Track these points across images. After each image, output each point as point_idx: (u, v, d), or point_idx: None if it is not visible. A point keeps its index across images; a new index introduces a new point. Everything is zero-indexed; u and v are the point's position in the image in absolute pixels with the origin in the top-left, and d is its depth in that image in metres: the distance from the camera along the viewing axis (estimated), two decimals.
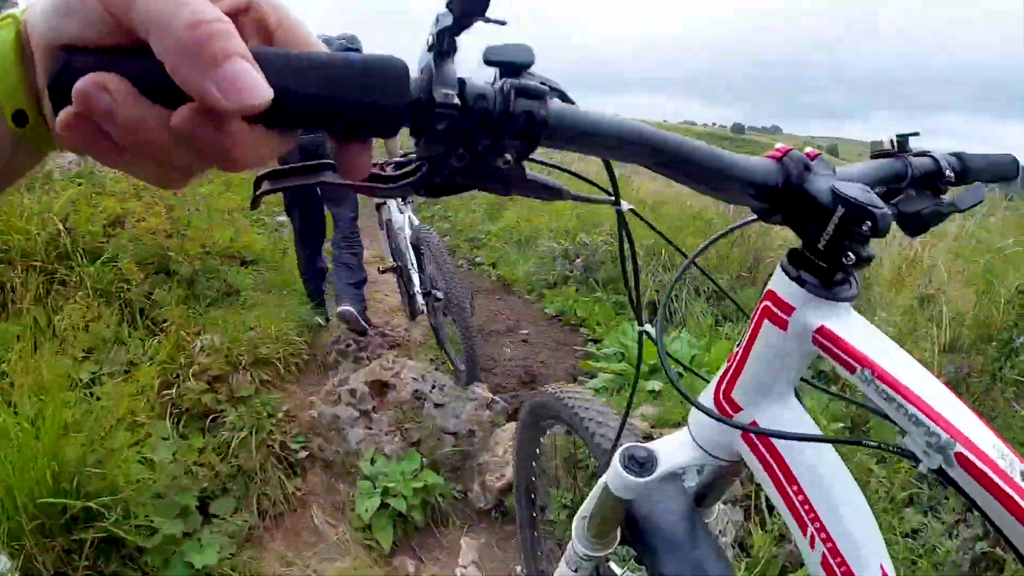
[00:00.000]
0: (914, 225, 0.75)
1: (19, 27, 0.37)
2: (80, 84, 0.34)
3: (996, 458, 0.56)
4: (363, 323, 3.82)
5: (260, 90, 0.35)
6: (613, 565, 1.18)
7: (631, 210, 0.81)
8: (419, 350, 4.06)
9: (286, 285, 4.46)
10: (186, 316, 3.44)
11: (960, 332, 3.73)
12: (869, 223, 0.59)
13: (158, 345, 3.14)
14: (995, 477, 0.55)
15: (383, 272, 4.06)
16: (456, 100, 0.44)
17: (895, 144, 0.82)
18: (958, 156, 0.85)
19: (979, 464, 0.55)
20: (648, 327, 0.88)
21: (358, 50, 3.25)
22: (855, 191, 0.59)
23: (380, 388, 3.14)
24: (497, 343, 4.65)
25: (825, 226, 0.61)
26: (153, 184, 0.41)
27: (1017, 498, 0.54)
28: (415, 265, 3.70)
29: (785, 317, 0.69)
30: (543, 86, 0.48)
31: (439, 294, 3.48)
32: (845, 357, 0.64)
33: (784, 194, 0.62)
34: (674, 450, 0.88)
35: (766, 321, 0.72)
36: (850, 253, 0.61)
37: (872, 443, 0.65)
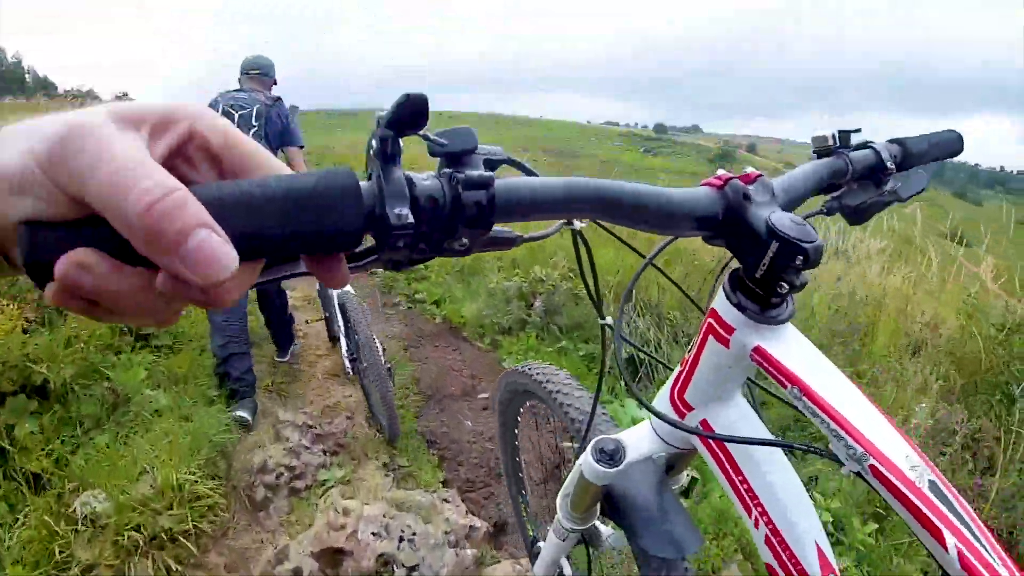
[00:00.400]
0: (857, 216, 0.87)
1: None
2: (60, 267, 0.34)
3: (906, 470, 0.62)
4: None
5: (226, 260, 0.35)
6: (598, 524, 1.23)
7: (580, 230, 0.89)
8: (367, 450, 3.29)
9: (192, 373, 3.55)
10: (61, 457, 2.56)
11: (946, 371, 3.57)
12: (801, 257, 0.61)
13: (23, 528, 2.23)
14: (903, 488, 0.61)
15: (309, 323, 4.18)
16: (410, 219, 0.44)
17: (837, 139, 0.86)
18: (900, 142, 0.90)
19: (889, 476, 0.62)
20: (609, 319, 0.95)
21: (267, 71, 3.61)
22: (789, 226, 0.62)
23: (333, 558, 2.33)
24: (453, 413, 3.94)
25: (762, 257, 0.63)
26: (148, 326, 0.45)
27: (922, 507, 0.60)
28: (342, 328, 3.72)
29: (726, 336, 0.74)
30: (487, 173, 0.49)
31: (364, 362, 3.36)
32: (778, 375, 0.69)
33: (724, 223, 0.65)
34: (638, 441, 0.97)
35: (710, 337, 0.76)
36: (784, 283, 0.65)
37: (802, 446, 0.71)
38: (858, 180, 0.87)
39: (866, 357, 3.77)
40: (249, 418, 3.25)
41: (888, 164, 0.86)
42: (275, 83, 3.93)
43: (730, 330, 0.73)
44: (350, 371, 3.69)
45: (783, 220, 0.62)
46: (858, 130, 0.87)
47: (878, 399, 2.93)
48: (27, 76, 41.84)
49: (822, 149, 0.87)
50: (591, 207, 0.58)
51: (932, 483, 0.62)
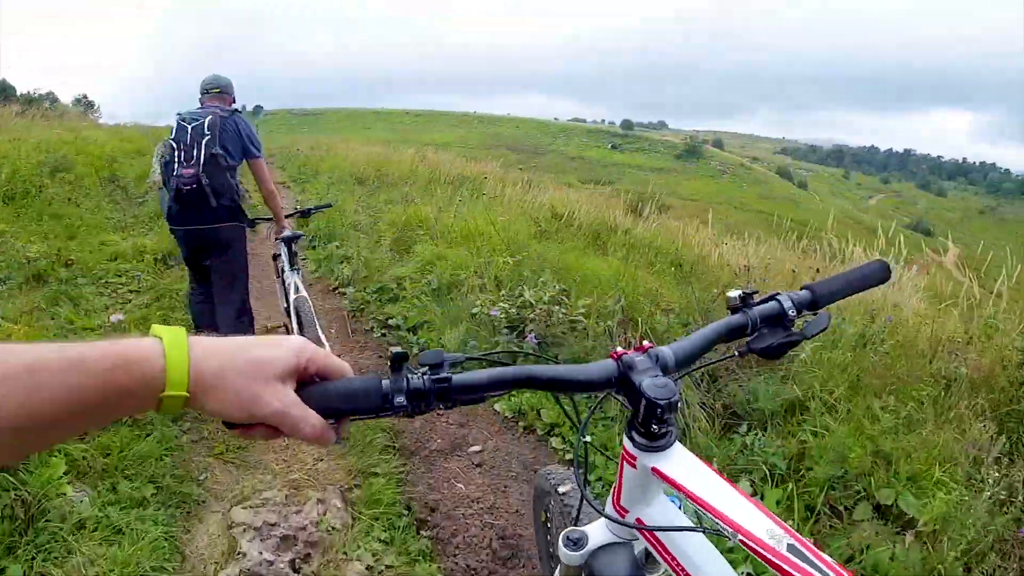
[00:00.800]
0: (768, 355, 1.06)
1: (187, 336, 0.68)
2: (241, 432, 0.75)
3: (767, 539, 0.83)
4: None
5: (332, 438, 0.79)
6: None
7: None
8: (345, 546, 2.79)
9: (125, 457, 3.02)
10: None
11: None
12: (660, 409, 0.91)
13: None
14: (766, 552, 0.81)
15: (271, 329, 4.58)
16: (405, 403, 0.82)
17: (740, 300, 1.09)
18: (809, 288, 1.12)
19: (754, 545, 0.82)
20: (588, 437, 1.16)
21: (226, 89, 3.99)
22: (651, 388, 0.91)
23: None
24: (443, 473, 3.56)
25: (639, 409, 0.94)
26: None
27: (782, 564, 0.79)
28: (295, 331, 3.95)
29: (633, 461, 1.02)
30: (446, 375, 0.85)
31: None
32: (672, 485, 0.96)
33: (618, 385, 0.97)
34: (597, 531, 1.18)
35: (624, 463, 1.05)
36: (654, 427, 0.95)
37: (700, 529, 0.96)
38: (767, 325, 1.07)
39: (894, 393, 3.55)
40: None
41: (790, 313, 1.06)
42: (234, 100, 4.14)
43: (634, 458, 1.00)
44: None
45: (649, 384, 0.91)
46: (756, 292, 1.10)
47: (918, 442, 3.05)
48: None
49: (733, 306, 1.09)
50: (528, 384, 0.94)
51: (791, 546, 0.82)
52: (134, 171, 10.91)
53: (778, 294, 1.09)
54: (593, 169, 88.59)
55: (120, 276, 6.05)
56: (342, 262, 7.28)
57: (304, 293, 4.11)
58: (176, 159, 3.66)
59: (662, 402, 0.90)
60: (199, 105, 3.98)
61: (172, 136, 3.72)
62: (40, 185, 8.25)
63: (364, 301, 6.30)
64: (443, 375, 0.85)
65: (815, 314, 1.10)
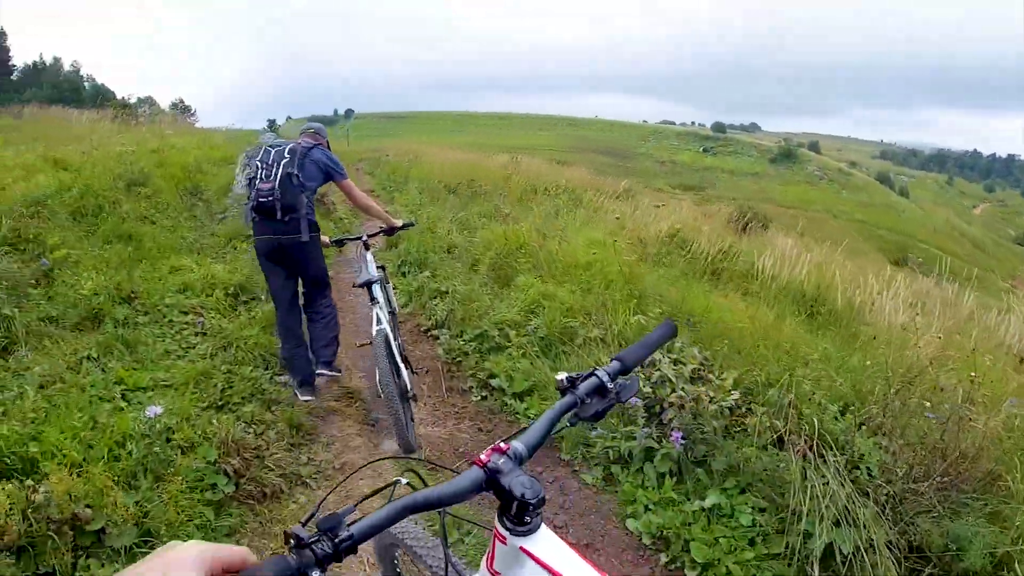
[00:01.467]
0: (593, 419, 1.26)
1: None
2: None
3: None
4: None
5: None
6: None
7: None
8: None
9: None
10: None
11: None
12: (530, 504, 1.05)
13: None
14: None
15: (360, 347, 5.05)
16: (322, 572, 0.88)
17: (567, 382, 1.28)
18: (620, 359, 1.34)
19: None
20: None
21: (319, 132, 4.75)
22: (523, 490, 1.05)
23: None
24: None
25: (510, 504, 1.07)
26: None
27: None
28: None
29: (504, 539, 1.12)
30: (347, 537, 0.93)
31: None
32: (537, 563, 1.08)
33: (488, 487, 1.08)
34: None
35: (496, 541, 1.15)
36: (527, 518, 1.08)
37: None
38: (591, 396, 1.28)
39: None
40: (313, 397, 4.52)
41: (608, 384, 1.29)
42: (327, 143, 4.69)
43: (504, 538, 1.13)
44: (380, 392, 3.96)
45: (519, 486, 1.06)
46: (592, 373, 1.31)
47: None
48: (85, 85, 42.07)
49: (562, 387, 1.29)
50: (414, 511, 1.04)
51: None
52: (218, 182, 10.33)
53: (596, 370, 1.30)
54: (684, 174, 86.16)
55: (186, 314, 5.32)
56: (435, 298, 6.37)
57: (385, 326, 4.10)
58: (258, 176, 4.17)
59: (533, 501, 1.05)
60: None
61: (257, 158, 4.26)
62: (114, 201, 7.67)
63: (461, 351, 5.37)
64: (343, 535, 0.92)
65: (628, 379, 1.33)
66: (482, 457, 1.10)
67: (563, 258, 7.07)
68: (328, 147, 4.62)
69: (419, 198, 12.66)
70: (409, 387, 4.02)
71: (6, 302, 4.63)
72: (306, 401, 4.42)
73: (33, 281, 5.36)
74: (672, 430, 3.65)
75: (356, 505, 1.01)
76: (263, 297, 5.76)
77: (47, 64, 55.09)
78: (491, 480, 1.08)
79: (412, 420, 4.04)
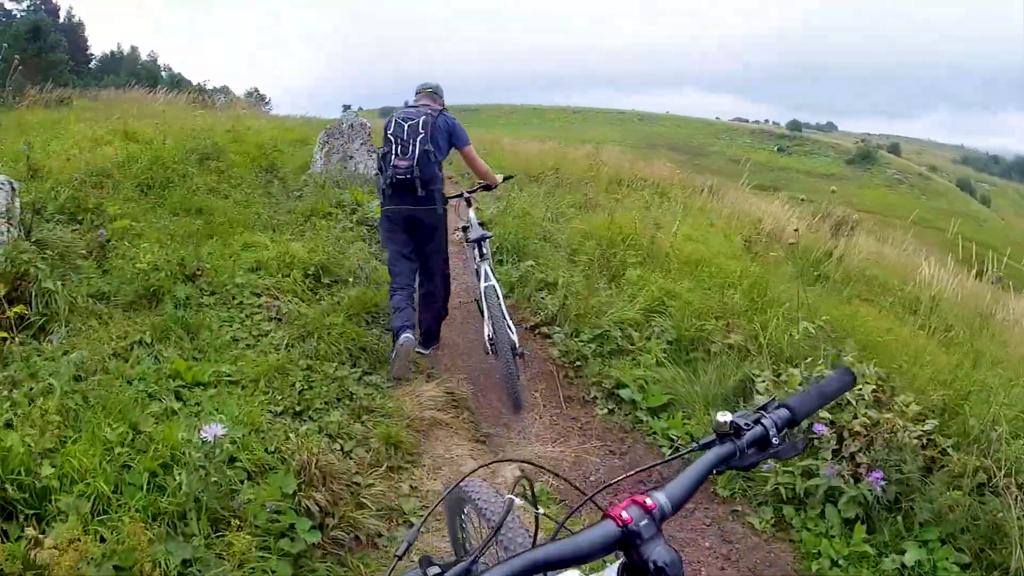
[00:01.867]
0: (744, 468, 1.06)
1: None
2: None
3: None
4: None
5: None
6: None
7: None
8: None
9: None
10: None
11: None
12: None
13: None
14: None
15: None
16: None
17: (731, 427, 1.06)
18: (788, 407, 1.12)
19: None
20: None
21: (436, 91, 4.62)
22: (665, 562, 0.85)
23: None
24: None
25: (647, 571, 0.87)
26: None
27: None
28: (487, 317, 4.14)
29: None
30: None
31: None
32: None
33: (622, 547, 0.89)
34: None
35: None
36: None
37: None
38: (750, 447, 1.06)
39: None
40: (413, 339, 4.12)
41: (774, 440, 1.07)
42: (443, 101, 4.61)
43: None
44: (489, 351, 4.08)
45: (657, 554, 0.87)
46: (758, 421, 1.09)
47: None
48: (163, 74, 42.82)
49: (721, 433, 1.07)
50: (538, 570, 0.86)
51: None
52: (294, 161, 9.67)
53: (762, 416, 1.09)
54: (758, 173, 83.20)
55: (258, 296, 4.54)
56: (543, 289, 5.46)
57: (493, 282, 4.21)
58: (392, 152, 4.15)
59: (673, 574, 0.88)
60: (412, 102, 4.59)
61: (390, 131, 4.21)
62: (184, 174, 6.99)
63: (579, 354, 4.45)
64: None
65: (794, 435, 1.16)
66: (622, 514, 0.90)
67: (676, 253, 6.18)
68: (444, 106, 4.57)
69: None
70: (517, 343, 4.00)
71: (49, 274, 3.89)
72: (404, 343, 4.06)
73: (85, 252, 4.67)
74: (861, 466, 2.94)
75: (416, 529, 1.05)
76: (350, 280, 5.00)
77: (124, 53, 56.28)
78: (626, 544, 0.90)
79: (520, 377, 4.17)
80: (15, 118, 10.82)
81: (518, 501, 1.13)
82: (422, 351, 4.50)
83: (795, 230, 8.44)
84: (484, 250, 4.36)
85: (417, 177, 4.09)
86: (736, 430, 1.07)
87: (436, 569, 0.98)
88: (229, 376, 3.44)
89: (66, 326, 3.73)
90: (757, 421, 1.08)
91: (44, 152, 7.08)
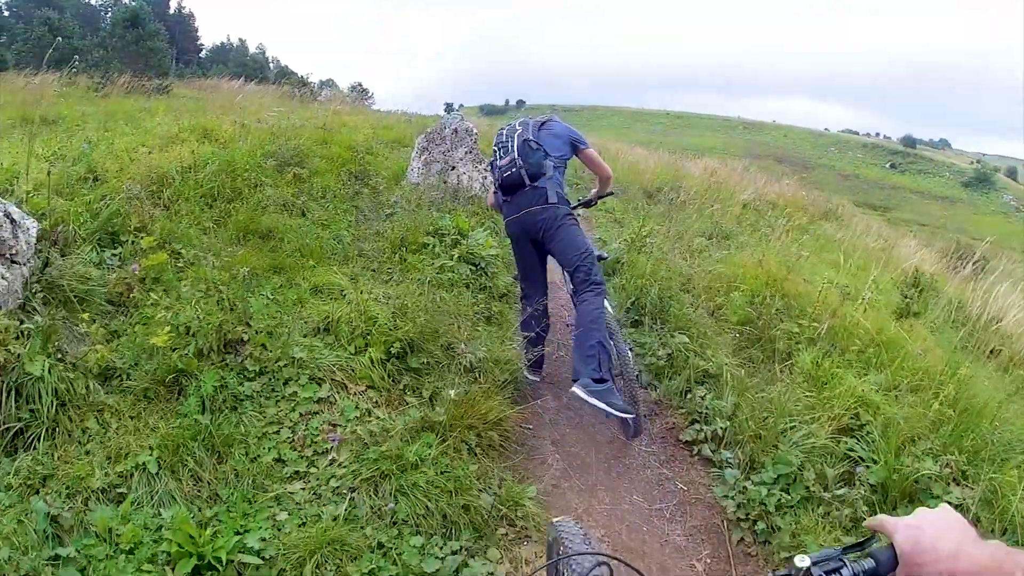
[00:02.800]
0: None
1: None
2: None
3: None
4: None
5: None
6: None
7: None
8: None
9: None
10: None
11: None
12: None
13: None
14: None
15: None
16: None
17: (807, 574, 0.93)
18: (875, 556, 0.95)
19: None
20: None
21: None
22: None
23: None
24: None
25: None
26: None
27: None
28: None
29: None
30: None
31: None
32: None
33: None
34: None
35: None
36: None
37: None
38: None
39: None
40: (537, 379, 4.15)
41: None
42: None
43: None
44: None
45: None
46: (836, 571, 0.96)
47: None
48: (270, 66, 43.16)
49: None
50: None
51: None
52: (389, 166, 8.37)
53: (841, 566, 0.95)
54: (869, 190, 79.32)
55: (319, 384, 3.30)
56: (702, 382, 4.04)
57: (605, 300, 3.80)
58: (497, 157, 3.98)
59: None
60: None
61: (494, 144, 4.07)
62: (256, 183, 5.88)
63: (760, 508, 3.03)
64: None
65: None
66: None
67: (853, 327, 4.72)
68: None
69: (611, 201, 10.33)
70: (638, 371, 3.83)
71: (40, 348, 2.74)
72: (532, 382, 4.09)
73: (110, 296, 3.56)
74: None
75: None
76: (450, 370, 3.70)
77: (233, 45, 57.44)
78: None
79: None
80: (104, 107, 10.10)
81: None
82: (583, 396, 3.45)
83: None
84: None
85: (520, 168, 3.79)
86: None
87: None
88: (262, 553, 2.19)
89: (52, 433, 2.58)
90: (838, 571, 0.95)
91: (109, 151, 6.12)
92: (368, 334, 3.63)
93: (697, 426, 3.77)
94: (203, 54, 48.30)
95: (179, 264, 4.24)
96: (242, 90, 15.85)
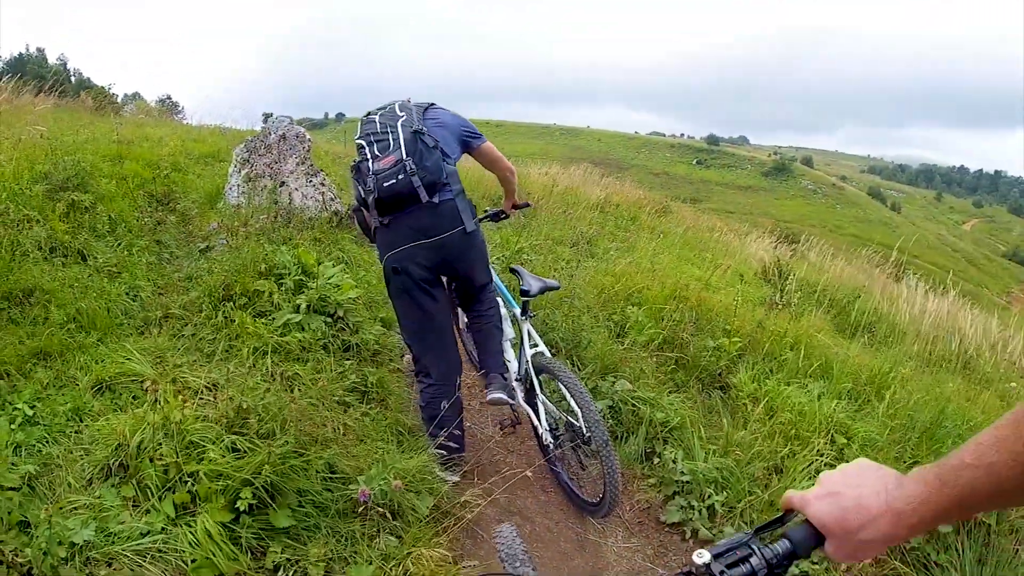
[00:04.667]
0: None
1: None
2: None
3: None
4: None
5: None
6: None
7: None
8: None
9: None
10: None
11: None
12: None
13: None
14: None
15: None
16: None
17: (706, 570, 0.86)
18: (788, 538, 0.89)
19: None
20: None
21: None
22: None
23: None
24: None
25: None
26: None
27: None
28: (540, 397, 3.10)
29: None
30: None
31: (578, 430, 2.87)
32: None
33: None
34: None
35: None
36: None
37: None
38: None
39: None
40: (457, 479, 3.05)
41: None
42: None
43: None
44: (550, 443, 3.08)
45: None
46: (745, 559, 0.88)
47: None
48: (72, 78, 38.62)
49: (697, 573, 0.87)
50: None
51: None
52: (203, 186, 6.66)
53: (750, 554, 0.87)
54: (679, 186, 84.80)
55: None
56: (666, 444, 3.22)
57: (542, 347, 3.18)
58: (368, 155, 2.87)
59: None
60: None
61: (358, 137, 3.03)
62: (20, 219, 4.24)
63: None
64: None
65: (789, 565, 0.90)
66: None
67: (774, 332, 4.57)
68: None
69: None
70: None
71: None
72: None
73: None
74: None
75: None
76: (343, 516, 2.44)
77: (32, 56, 51.76)
78: None
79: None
80: None
81: None
82: (504, 399, 3.07)
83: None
84: (528, 310, 3.26)
85: (413, 173, 2.72)
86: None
87: None
88: None
89: None
90: (746, 559, 0.86)
91: None
92: (192, 478, 2.25)
93: (680, 500, 3.00)
94: None
95: None
96: (39, 102, 13.07)
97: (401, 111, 2.92)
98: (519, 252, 6.27)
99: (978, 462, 0.69)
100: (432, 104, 3.14)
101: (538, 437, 3.17)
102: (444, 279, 3.19)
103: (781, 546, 0.87)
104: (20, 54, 51.57)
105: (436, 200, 2.80)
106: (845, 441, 3.33)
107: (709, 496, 2.95)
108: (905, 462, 3.15)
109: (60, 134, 6.79)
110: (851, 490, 0.83)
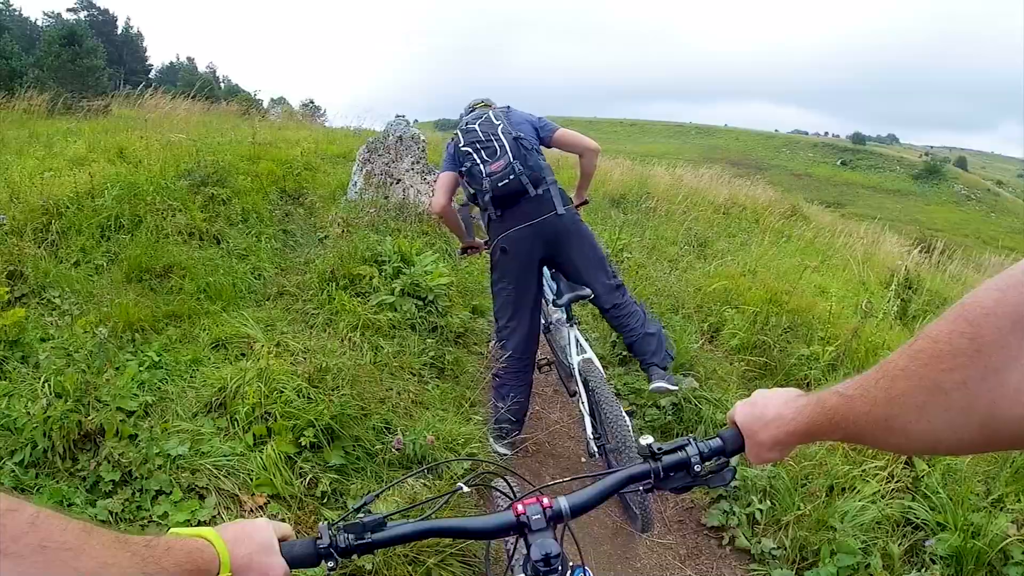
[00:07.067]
0: (674, 491, 1.08)
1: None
2: None
3: None
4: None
5: None
6: None
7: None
8: None
9: None
10: None
11: None
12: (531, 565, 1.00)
13: None
14: None
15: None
16: (335, 559, 0.96)
17: (651, 452, 1.06)
18: (722, 437, 1.05)
19: None
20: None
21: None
22: (537, 553, 0.98)
23: None
24: None
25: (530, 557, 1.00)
26: None
27: None
28: (585, 405, 3.12)
29: None
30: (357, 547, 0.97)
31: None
32: None
33: (516, 531, 1.04)
34: None
35: None
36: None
37: None
38: (674, 471, 1.06)
39: None
40: (508, 453, 3.35)
41: (696, 468, 1.04)
42: None
43: None
44: (596, 453, 3.10)
45: (537, 546, 0.99)
46: (681, 447, 1.07)
47: None
48: (221, 85, 41.99)
49: (643, 454, 1.08)
50: (440, 534, 1.05)
51: None
52: (330, 183, 7.47)
53: (687, 443, 1.06)
54: (821, 188, 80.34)
55: (200, 497, 2.45)
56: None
57: (591, 354, 3.19)
58: (478, 159, 3.27)
59: (542, 571, 0.98)
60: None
61: (462, 145, 3.35)
62: (163, 208, 4.99)
63: None
64: (368, 538, 0.97)
65: (724, 464, 1.07)
66: (519, 507, 1.04)
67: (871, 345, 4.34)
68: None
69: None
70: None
71: None
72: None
73: None
74: None
75: (384, 517, 1.01)
76: (386, 469, 2.80)
77: (183, 64, 56.19)
78: (520, 529, 1.04)
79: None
80: (31, 129, 8.94)
81: (465, 488, 1.15)
82: (669, 387, 3.27)
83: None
84: (572, 315, 3.34)
85: (522, 173, 3.16)
86: (655, 454, 1.06)
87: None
88: None
89: None
90: (682, 448, 1.06)
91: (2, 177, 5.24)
92: (269, 416, 2.74)
93: (724, 505, 3.02)
94: (152, 74, 46.96)
95: (53, 317, 3.38)
96: (189, 108, 14.59)
97: (496, 119, 3.31)
98: (623, 249, 6.44)
99: (844, 391, 0.77)
100: (508, 107, 3.54)
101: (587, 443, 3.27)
102: (547, 269, 3.56)
103: (714, 442, 1.05)
104: (171, 63, 55.99)
105: (540, 192, 3.22)
106: (926, 468, 3.05)
107: (751, 504, 2.95)
108: (991, 495, 2.89)
109: (205, 136, 7.69)
110: (764, 399, 0.96)
